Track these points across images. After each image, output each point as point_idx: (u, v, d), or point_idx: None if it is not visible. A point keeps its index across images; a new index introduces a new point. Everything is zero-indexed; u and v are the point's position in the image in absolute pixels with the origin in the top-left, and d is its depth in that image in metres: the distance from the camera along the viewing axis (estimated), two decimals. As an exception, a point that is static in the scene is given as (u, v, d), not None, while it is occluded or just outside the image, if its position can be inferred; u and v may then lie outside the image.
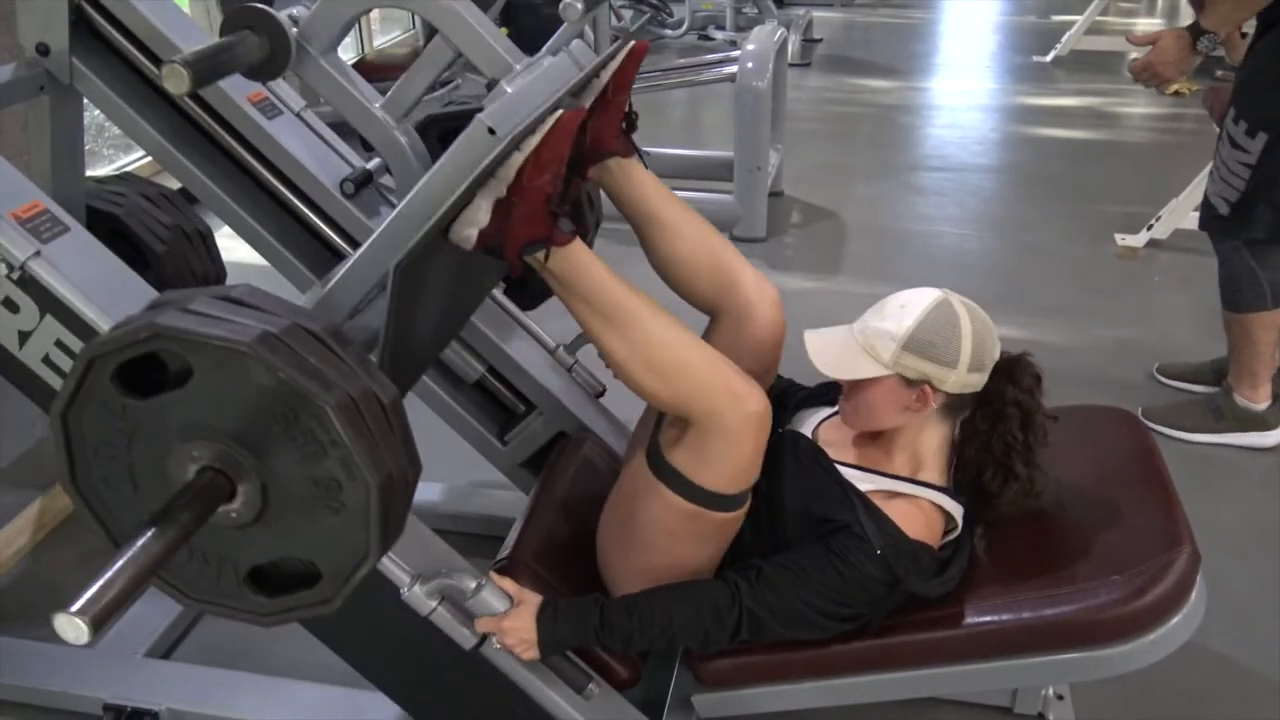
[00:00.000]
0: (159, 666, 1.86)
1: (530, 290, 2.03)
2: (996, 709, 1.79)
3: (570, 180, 1.46)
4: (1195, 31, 2.32)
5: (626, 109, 1.58)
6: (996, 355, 1.46)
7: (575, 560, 1.58)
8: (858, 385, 1.47)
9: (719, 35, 7.02)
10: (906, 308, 1.43)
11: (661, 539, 1.44)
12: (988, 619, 1.42)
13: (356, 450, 0.97)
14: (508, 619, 1.35)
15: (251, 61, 1.32)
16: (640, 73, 1.62)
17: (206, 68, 1.21)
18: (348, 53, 5.75)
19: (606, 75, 1.51)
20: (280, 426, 0.98)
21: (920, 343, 1.40)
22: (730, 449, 1.35)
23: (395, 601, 1.35)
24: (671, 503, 1.40)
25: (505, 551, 1.59)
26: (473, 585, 1.33)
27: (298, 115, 1.83)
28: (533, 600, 1.37)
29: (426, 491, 2.27)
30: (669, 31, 7.05)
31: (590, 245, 1.78)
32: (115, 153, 4.55)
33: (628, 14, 7.04)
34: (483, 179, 1.26)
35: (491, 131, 1.27)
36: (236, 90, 1.73)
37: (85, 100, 1.74)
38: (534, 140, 1.26)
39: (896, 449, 1.49)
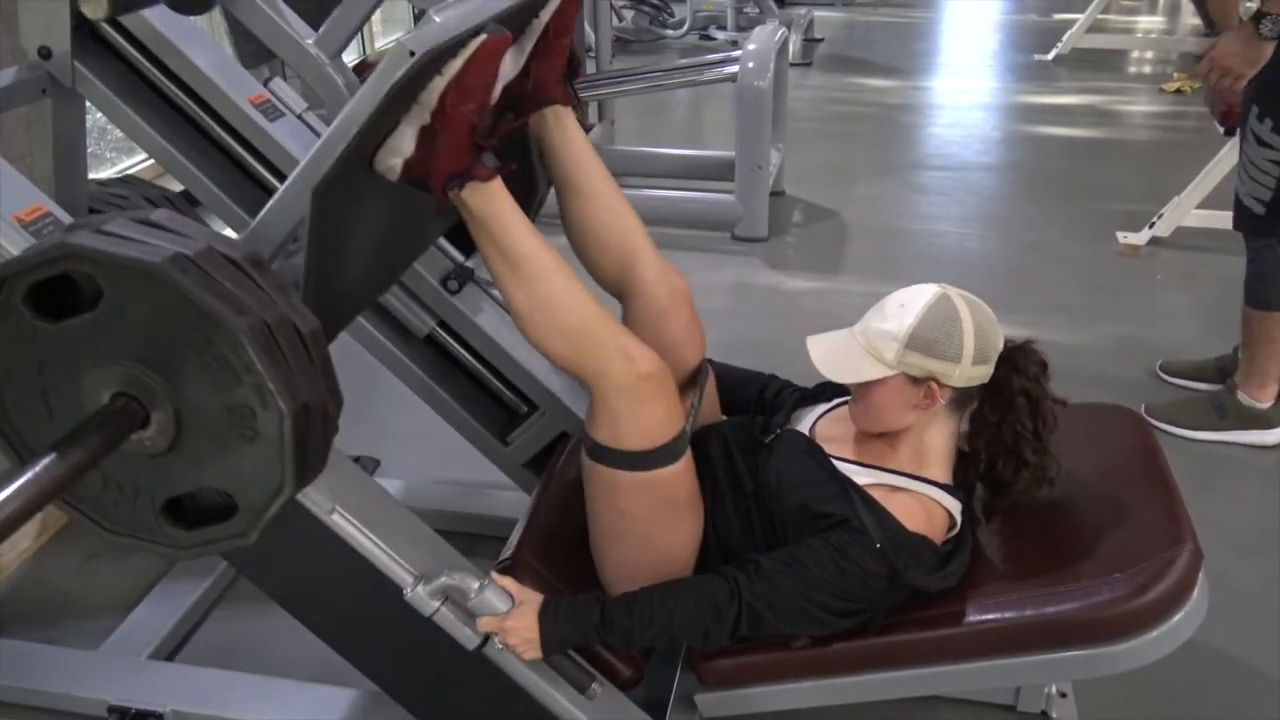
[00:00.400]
0: (163, 668, 1.86)
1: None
2: (999, 707, 1.79)
3: (501, 117, 1.45)
4: (1257, 18, 2.25)
5: (569, 54, 1.56)
6: (1000, 346, 1.46)
7: (577, 560, 1.58)
8: (865, 387, 1.47)
9: (720, 35, 7.02)
10: (906, 306, 1.43)
11: (618, 521, 1.45)
12: (990, 617, 1.42)
13: (270, 377, 0.95)
14: (510, 619, 1.35)
15: None
16: (642, 73, 1.62)
17: None
18: (349, 55, 5.75)
19: (545, 16, 1.48)
20: (193, 352, 0.96)
21: (922, 340, 1.41)
22: (634, 407, 1.38)
23: (398, 602, 1.35)
24: (614, 480, 1.41)
25: (507, 552, 1.59)
26: (475, 585, 1.34)
27: (299, 117, 1.83)
28: (534, 599, 1.37)
29: (428, 492, 2.28)
30: (670, 31, 7.05)
31: (535, 214, 1.77)
32: (118, 155, 4.55)
33: (629, 14, 7.05)
34: (401, 100, 1.22)
35: (412, 54, 1.21)
36: (238, 92, 1.74)
37: (87, 103, 1.74)
38: (456, 64, 1.23)
39: (900, 445, 1.49)
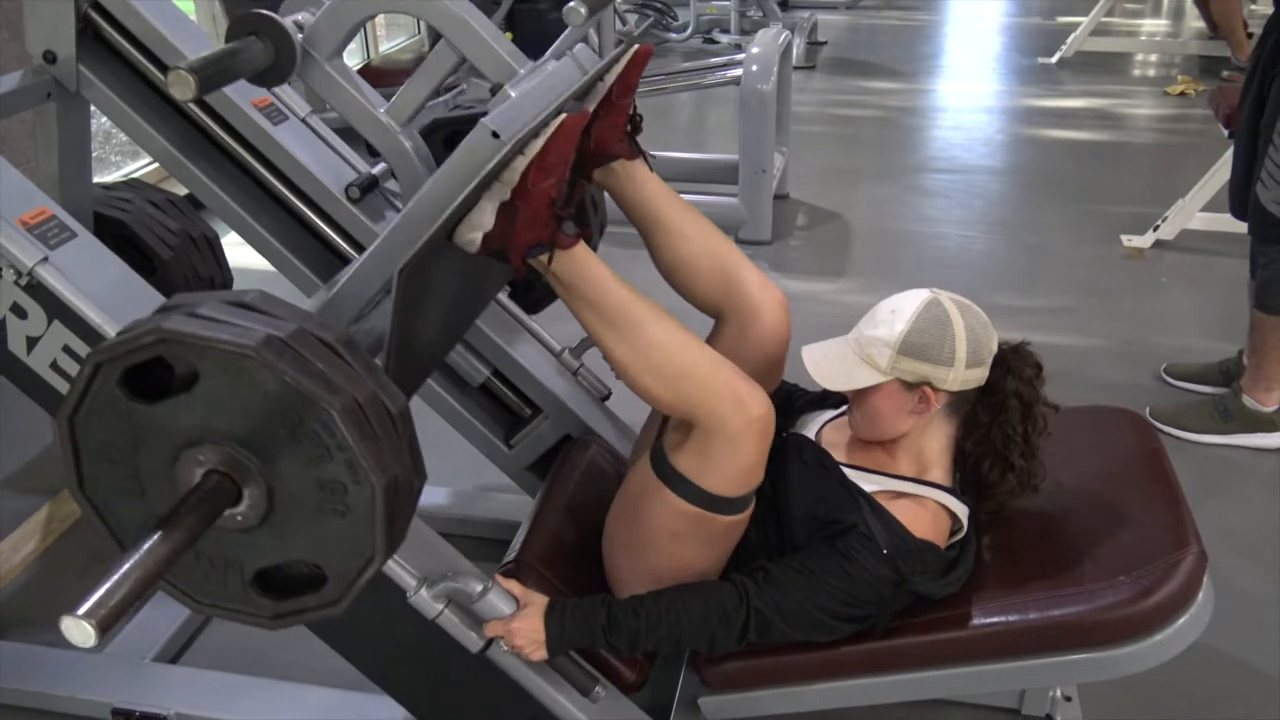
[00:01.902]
0: (167, 671, 1.87)
1: (535, 293, 2.03)
2: (1005, 710, 1.79)
3: (574, 183, 1.47)
4: None
5: (630, 112, 1.59)
6: (994, 348, 1.46)
7: (581, 563, 1.58)
8: (861, 395, 1.47)
9: (724, 39, 7.02)
10: (897, 312, 1.44)
11: (666, 542, 1.44)
12: (995, 620, 1.42)
13: (361, 453, 0.97)
14: (515, 620, 1.35)
15: (257, 68, 1.33)
16: (645, 76, 1.62)
17: (212, 74, 1.21)
18: (353, 58, 5.77)
19: (610, 78, 1.52)
20: (286, 430, 0.98)
21: (914, 345, 1.41)
22: (734, 452, 1.35)
23: (402, 605, 1.35)
24: (675, 505, 1.40)
25: (511, 554, 1.59)
26: (479, 589, 1.34)
27: (303, 121, 1.84)
28: (539, 601, 1.37)
29: (433, 495, 2.28)
30: (674, 36, 7.05)
31: (595, 248, 1.79)
32: (122, 159, 4.56)
33: (633, 18, 7.05)
34: (487, 182, 1.26)
35: (495, 135, 1.28)
36: (242, 96, 1.74)
37: (92, 107, 1.75)
38: (537, 144, 1.26)
39: (901, 450, 1.49)
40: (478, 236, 1.29)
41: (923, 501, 1.45)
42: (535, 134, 1.27)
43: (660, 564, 1.46)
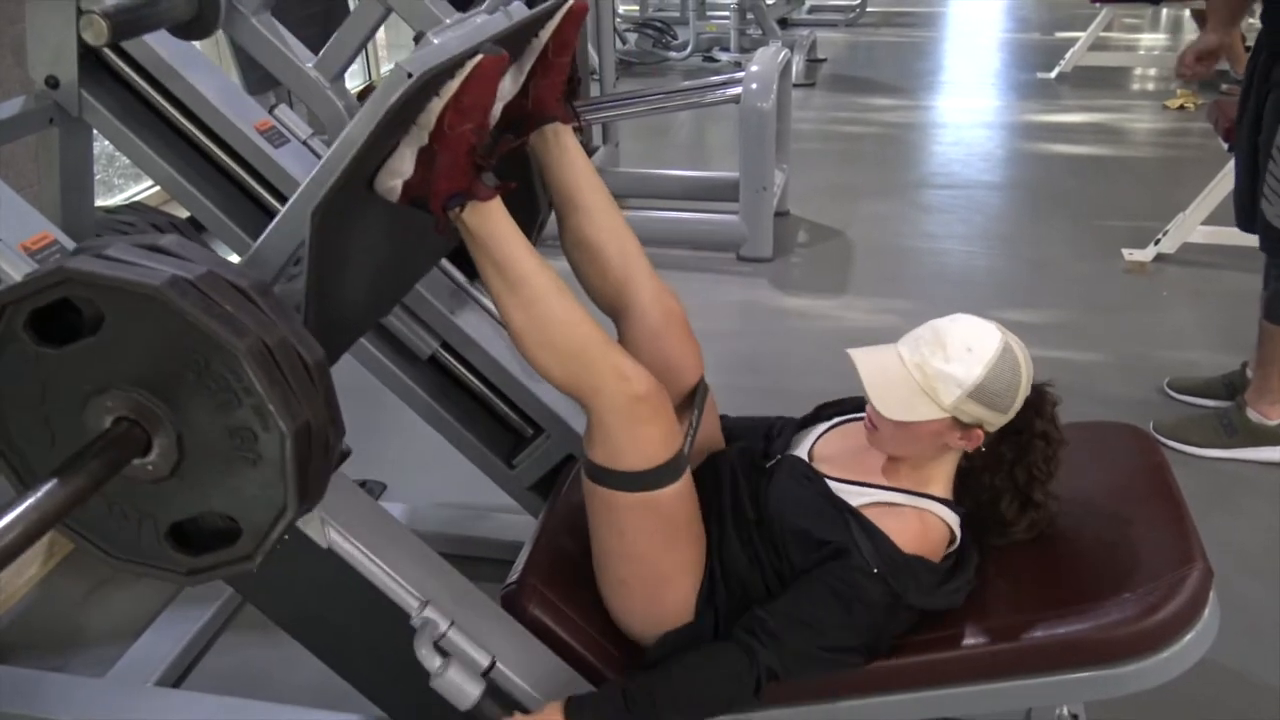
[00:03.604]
0: (170, 695, 1.86)
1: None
2: (1010, 729, 1.78)
3: (501, 136, 1.45)
4: None
5: (570, 73, 1.57)
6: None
7: (584, 583, 1.58)
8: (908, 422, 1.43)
9: (724, 57, 7.05)
10: (974, 353, 1.38)
11: (618, 542, 1.44)
12: (999, 638, 1.41)
13: (270, 398, 0.96)
14: (532, 717, 1.35)
15: (178, 18, 1.28)
16: (645, 95, 1.63)
17: (128, 19, 1.18)
18: (354, 80, 5.79)
19: (545, 35, 1.48)
20: (194, 375, 0.97)
21: (987, 392, 1.38)
22: (629, 427, 1.37)
23: (404, 628, 1.34)
24: (612, 501, 1.41)
25: (514, 575, 1.58)
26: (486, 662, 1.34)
27: (304, 143, 1.84)
28: (554, 705, 1.36)
29: (434, 515, 2.27)
30: (674, 54, 7.09)
31: (538, 234, 1.77)
32: (126, 182, 4.58)
33: (632, 37, 7.09)
34: (399, 121, 1.23)
35: (409, 76, 1.22)
36: (243, 119, 1.75)
37: (94, 131, 1.75)
38: (453, 85, 1.24)
39: (903, 465, 1.48)
40: (398, 184, 1.28)
41: (915, 512, 1.44)
42: (450, 76, 1.24)
43: (635, 572, 1.46)
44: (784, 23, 7.47)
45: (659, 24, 7.14)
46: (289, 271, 1.42)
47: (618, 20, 6.78)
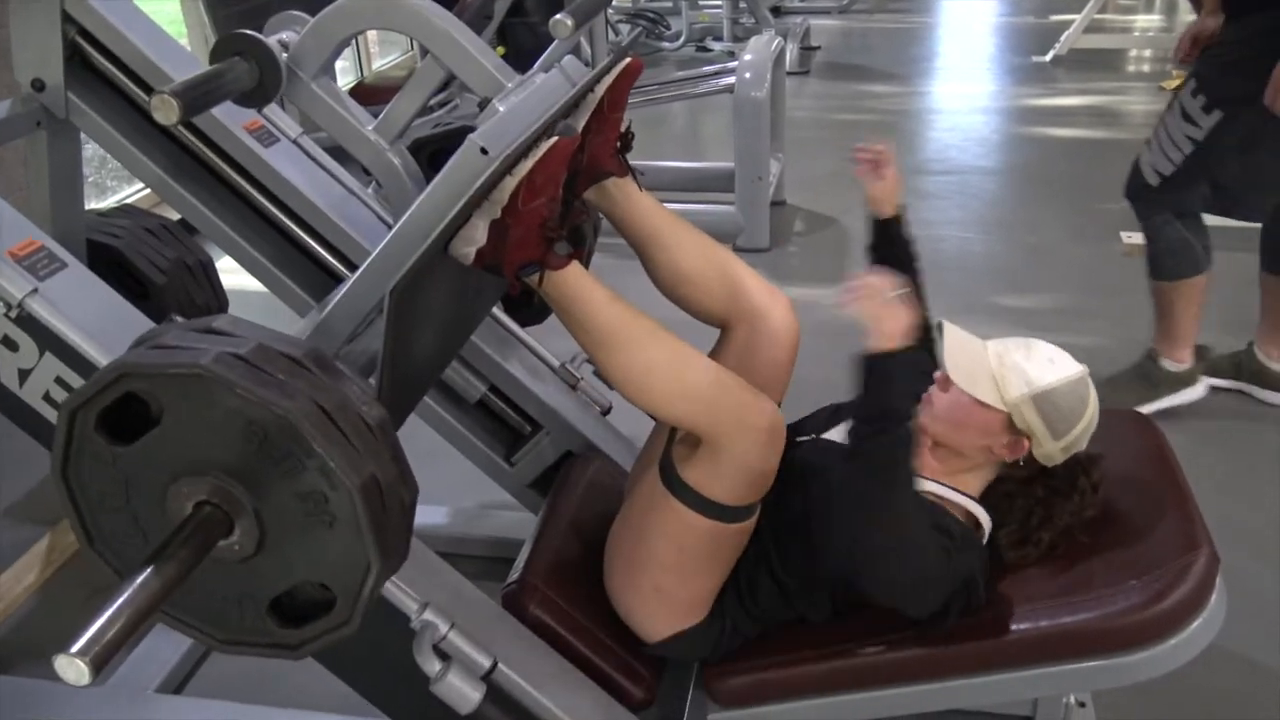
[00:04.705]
0: (171, 702, 1.85)
1: (531, 308, 2.02)
2: (1018, 719, 1.77)
3: (568, 203, 1.46)
4: None
5: (622, 129, 1.57)
6: (1084, 446, 1.45)
7: (585, 580, 1.57)
8: (965, 402, 1.43)
9: (717, 46, 7.03)
10: (1055, 364, 1.42)
11: (673, 555, 1.43)
12: (1005, 628, 1.40)
13: (329, 455, 0.96)
14: (890, 307, 1.31)
15: (242, 89, 1.32)
16: (639, 86, 1.61)
17: (196, 96, 1.21)
18: (346, 76, 5.77)
19: (600, 91, 1.50)
20: (257, 448, 0.98)
21: (1049, 402, 1.39)
22: (743, 464, 1.35)
23: (404, 630, 1.33)
24: (685, 518, 1.39)
25: (515, 574, 1.57)
26: (487, 664, 1.34)
27: (294, 142, 1.83)
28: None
29: (433, 514, 2.26)
30: (666, 45, 7.06)
31: (588, 261, 1.77)
32: (118, 184, 4.56)
33: (624, 28, 7.06)
34: (476, 200, 1.25)
35: (484, 151, 1.27)
36: (232, 119, 1.73)
37: (83, 134, 1.74)
38: (528, 164, 1.25)
39: (941, 466, 1.47)
40: (471, 251, 1.29)
41: (951, 503, 1.43)
42: (525, 153, 1.26)
43: (664, 580, 1.44)
44: (777, 11, 7.43)
45: (651, 14, 7.09)
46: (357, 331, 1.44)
47: (610, 11, 6.75)
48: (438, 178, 1.30)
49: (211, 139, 1.75)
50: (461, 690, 1.31)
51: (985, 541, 1.46)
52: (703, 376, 1.36)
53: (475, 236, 1.28)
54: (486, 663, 1.36)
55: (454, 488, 2.26)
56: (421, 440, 2.09)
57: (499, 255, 1.28)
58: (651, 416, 1.40)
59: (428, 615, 1.33)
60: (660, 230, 1.60)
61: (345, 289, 1.36)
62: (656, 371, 1.35)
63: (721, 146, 4.51)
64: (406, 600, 1.33)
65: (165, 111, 1.17)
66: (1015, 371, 1.41)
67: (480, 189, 1.22)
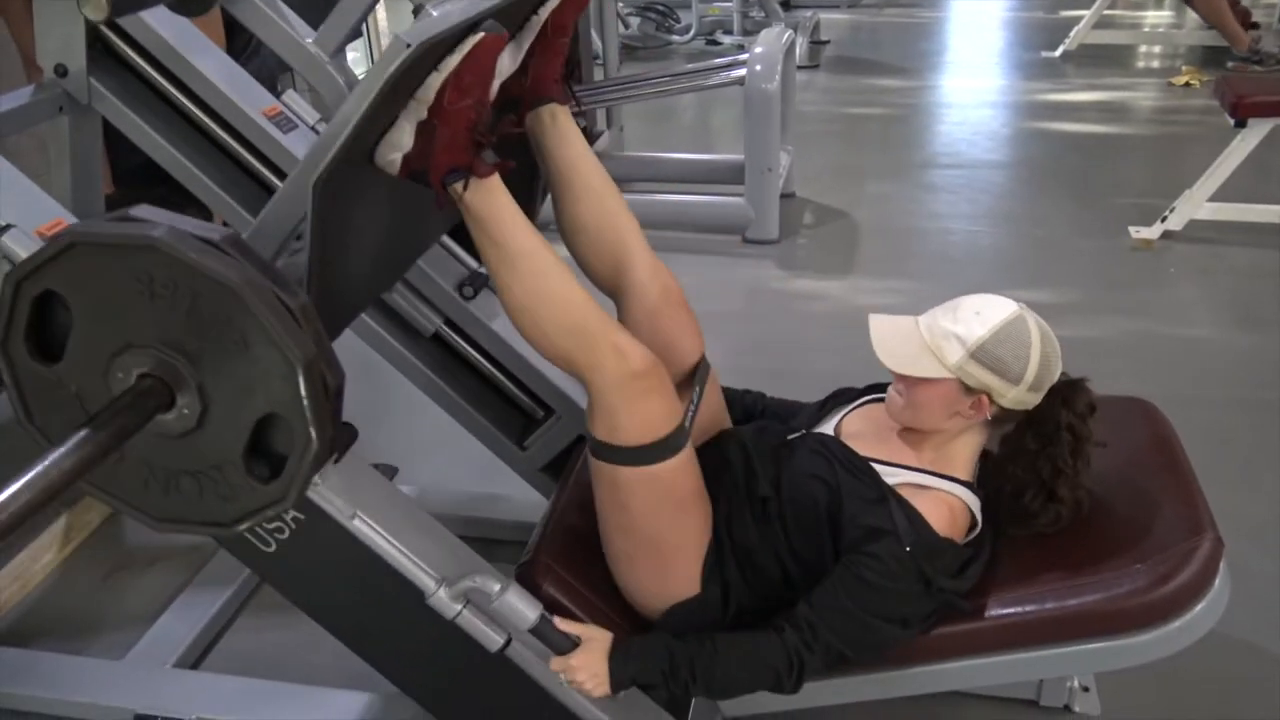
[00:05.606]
0: (188, 677, 1.88)
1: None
2: (1022, 703, 1.79)
3: (501, 116, 1.45)
4: None
5: (568, 55, 1.57)
6: (1056, 378, 1.45)
7: (597, 560, 1.59)
8: (914, 383, 1.44)
9: (727, 40, 7.03)
10: (981, 315, 1.41)
11: (633, 519, 1.46)
12: (1011, 610, 1.42)
13: (270, 326, 1.00)
14: (577, 656, 1.37)
15: None
16: (649, 79, 1.62)
17: None
18: (359, 68, 5.78)
19: (545, 13, 1.48)
20: (198, 321, 1.01)
21: (989, 354, 1.39)
22: (629, 403, 1.38)
23: (421, 606, 1.35)
24: (615, 476, 1.43)
25: (527, 555, 1.60)
26: (496, 588, 1.34)
27: (313, 129, 1.85)
28: (601, 639, 1.39)
29: (447, 497, 2.28)
30: (677, 37, 7.07)
31: (533, 220, 1.78)
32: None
33: (635, 21, 7.07)
34: (398, 94, 1.23)
35: (408, 46, 1.20)
36: (252, 105, 1.75)
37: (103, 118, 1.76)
38: (453, 61, 1.24)
39: (927, 446, 1.49)
40: (397, 158, 1.29)
41: (942, 495, 1.44)
42: (450, 51, 1.23)
43: (640, 546, 1.47)
44: (787, 5, 7.43)
45: (661, 7, 7.11)
46: (291, 246, 1.43)
47: (620, 4, 6.76)
48: (364, 76, 1.26)
49: (231, 124, 1.77)
50: (518, 608, 1.35)
51: (978, 529, 1.46)
52: (592, 317, 1.39)
53: (402, 141, 1.27)
54: (500, 639, 1.38)
55: (466, 472, 2.29)
56: (435, 426, 2.13)
57: (425, 159, 1.28)
58: (534, 346, 1.43)
59: (443, 592, 1.34)
60: (577, 173, 1.60)
61: (277, 194, 1.34)
62: (553, 303, 1.38)
63: (731, 139, 4.52)
64: (424, 578, 1.35)
65: (94, 6, 1.17)
66: (946, 337, 1.41)
67: (395, 73, 1.17)
